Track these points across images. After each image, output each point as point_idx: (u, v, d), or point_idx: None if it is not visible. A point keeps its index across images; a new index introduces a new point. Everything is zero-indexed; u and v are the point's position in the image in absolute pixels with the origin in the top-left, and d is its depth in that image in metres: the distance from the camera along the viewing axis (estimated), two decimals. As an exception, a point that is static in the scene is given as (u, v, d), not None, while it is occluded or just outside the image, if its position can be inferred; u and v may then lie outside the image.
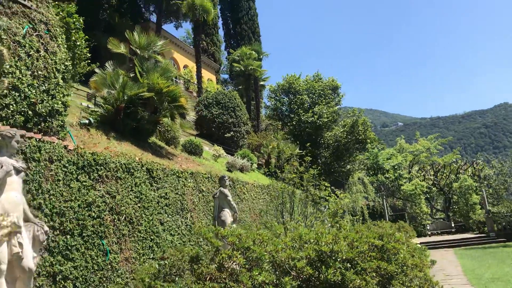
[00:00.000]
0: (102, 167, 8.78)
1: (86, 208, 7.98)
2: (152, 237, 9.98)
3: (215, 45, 53.68)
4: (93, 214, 8.12)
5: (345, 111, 39.11)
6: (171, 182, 11.65)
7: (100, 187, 8.61)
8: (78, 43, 18.36)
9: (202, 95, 30.69)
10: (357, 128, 30.96)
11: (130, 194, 9.61)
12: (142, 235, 9.62)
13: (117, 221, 8.86)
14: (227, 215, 11.39)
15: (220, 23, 57.32)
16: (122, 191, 9.31)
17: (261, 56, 51.06)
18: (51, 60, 8.09)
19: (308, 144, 31.83)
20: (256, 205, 17.47)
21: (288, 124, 32.11)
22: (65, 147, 7.91)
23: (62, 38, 8.72)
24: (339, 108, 33.97)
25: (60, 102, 8.08)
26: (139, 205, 9.83)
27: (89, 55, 18.97)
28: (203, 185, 13.43)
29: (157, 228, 10.28)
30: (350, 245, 7.49)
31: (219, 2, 59.89)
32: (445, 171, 42.23)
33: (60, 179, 7.50)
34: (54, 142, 7.62)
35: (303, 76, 34.14)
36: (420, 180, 39.00)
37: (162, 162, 12.11)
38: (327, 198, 16.41)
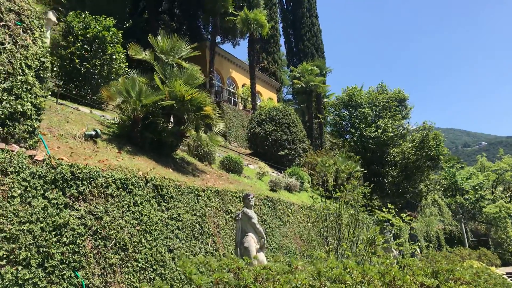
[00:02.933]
0: (84, 182, 7.30)
1: (54, 232, 6.47)
2: (154, 267, 8.31)
3: (276, 63, 52.46)
4: (64, 239, 6.59)
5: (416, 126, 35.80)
6: (187, 202, 9.99)
7: (79, 206, 7.11)
8: (114, 57, 17.68)
9: (255, 112, 29.20)
10: (427, 143, 27.80)
11: (126, 215, 8.05)
12: (140, 265, 7.98)
13: (103, 248, 7.28)
14: (251, 241, 9.49)
15: (282, 41, 56.27)
16: (113, 211, 7.76)
17: (324, 72, 49.02)
18: (20, 54, 6.80)
19: (372, 161, 29.19)
20: (303, 229, 15.36)
21: (349, 140, 29.65)
22: (31, 157, 6.51)
23: (41, 31, 7.46)
24: (407, 122, 30.98)
25: (29, 104, 6.73)
26: (138, 228, 8.23)
27: (127, 69, 18.20)
28: (232, 205, 11.66)
29: (162, 256, 8.60)
30: (391, 285, 5.43)
31: (281, 20, 59.08)
32: (534, 192, 37.30)
33: (16, 195, 6.07)
34: (13, 151, 6.25)
35: (365, 88, 31.60)
36: (505, 202, 34.54)
37: (182, 179, 10.53)
38: (390, 221, 14.10)
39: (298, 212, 15.69)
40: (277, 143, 26.61)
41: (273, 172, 21.11)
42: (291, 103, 57.16)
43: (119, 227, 7.77)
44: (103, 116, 13.78)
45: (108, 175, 7.88)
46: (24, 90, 6.69)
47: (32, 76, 6.88)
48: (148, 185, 8.95)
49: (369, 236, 6.82)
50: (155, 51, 12.72)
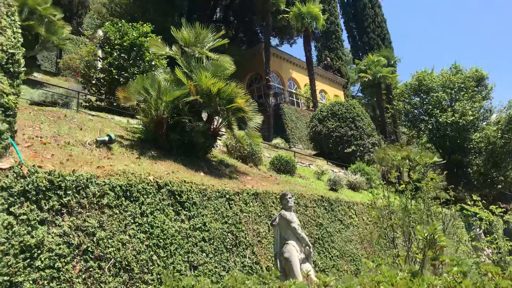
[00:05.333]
0: (69, 192, 6.06)
1: (22, 256, 5.25)
2: (171, 289, 6.87)
3: (340, 59, 49.99)
4: (38, 263, 5.35)
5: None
6: (216, 208, 8.51)
7: (63, 221, 5.87)
8: (153, 63, 16.80)
9: (316, 110, 27.28)
10: (516, 124, 24.20)
11: (131, 228, 6.71)
12: (150, 288, 6.60)
13: (96, 271, 5.97)
14: (293, 250, 7.79)
15: (344, 35, 53.74)
16: (111, 224, 6.46)
17: (393, 62, 45.81)
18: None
19: (452, 150, 26.00)
20: (370, 231, 13.27)
21: (423, 129, 26.71)
22: (-9, 165, 5.38)
23: (12, 20, 6.40)
24: (489, 103, 27.39)
25: (-10, 103, 5.62)
26: (147, 243, 6.86)
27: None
28: (276, 209, 10.01)
29: (182, 274, 7.16)
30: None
31: (341, 15, 56.59)
32: None
33: (-35, 213, 4.92)
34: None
35: (437, 70, 28.47)
36: None
37: (211, 182, 9.08)
38: (478, 215, 11.87)
39: (364, 213, 13.64)
40: (342, 140, 24.51)
41: (337, 171, 19.10)
42: (360, 98, 54.24)
43: (119, 243, 6.44)
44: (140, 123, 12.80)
45: (103, 182, 6.61)
46: (-18, 87, 5.59)
47: (-6, 71, 5.78)
48: (162, 191, 7.58)
49: (426, 234, 4.85)
50: (180, 45, 11.48)
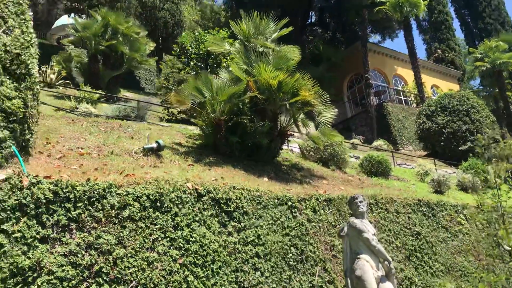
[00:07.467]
0: (79, 204, 5.25)
1: (13, 280, 4.50)
2: (213, 316, 5.75)
3: (453, 50, 45.51)
4: (33, 288, 4.57)
5: None
6: (274, 217, 7.24)
7: (70, 238, 5.06)
8: (230, 69, 16.08)
9: (423, 105, 24.52)
10: None
11: (160, 244, 5.72)
12: (183, 315, 5.52)
13: (112, 295, 5.06)
14: (366, 266, 6.22)
15: (456, 24, 49.10)
16: (134, 240, 5.52)
17: (516, 45, 40.26)
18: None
19: None
20: (486, 240, 10.84)
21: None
22: (-16, 177, 4.76)
23: (22, 19, 5.91)
24: None
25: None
26: (180, 261, 5.81)
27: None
28: (355, 217, 8.38)
29: (228, 297, 5.99)
30: None
31: (451, 2, 51.87)
32: None
33: None
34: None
35: None
36: None
37: (272, 188, 7.84)
38: None
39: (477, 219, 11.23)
40: (455, 136, 21.59)
41: (446, 171, 16.53)
42: (479, 90, 48.68)
43: (144, 262, 5.46)
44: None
45: (125, 192, 5.72)
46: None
47: (-8, 72, 5.23)
48: (203, 199, 6.52)
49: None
50: (241, 39, 10.50)
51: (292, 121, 9.47)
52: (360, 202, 6.65)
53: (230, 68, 10.23)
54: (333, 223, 8.09)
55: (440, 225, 10.17)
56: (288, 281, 6.84)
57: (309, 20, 39.70)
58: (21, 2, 6.02)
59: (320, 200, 8.15)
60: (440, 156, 21.81)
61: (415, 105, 34.05)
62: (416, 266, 8.94)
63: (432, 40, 47.01)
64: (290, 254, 7.09)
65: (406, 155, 21.55)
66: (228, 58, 14.32)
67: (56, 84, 17.21)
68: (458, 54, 46.03)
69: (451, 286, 8.57)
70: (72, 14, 23.83)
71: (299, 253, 7.22)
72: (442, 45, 45.69)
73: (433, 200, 10.56)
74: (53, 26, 37.86)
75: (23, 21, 5.93)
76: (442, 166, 19.16)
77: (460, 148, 21.12)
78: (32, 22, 6.19)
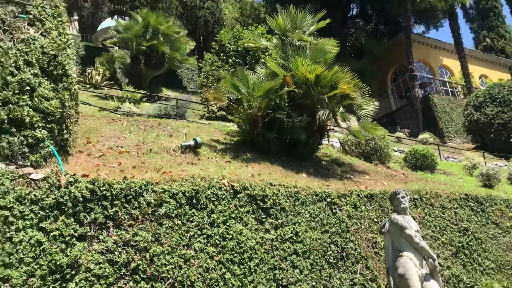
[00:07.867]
0: (116, 202, 5.31)
1: (51, 278, 4.60)
2: (250, 316, 5.68)
3: (503, 38, 43.41)
4: (71, 285, 4.64)
5: None
6: (313, 214, 7.08)
7: (108, 235, 5.12)
8: (268, 65, 15.95)
9: (471, 95, 23.52)
10: None
11: (197, 241, 5.71)
12: (221, 313, 5.48)
13: (148, 293, 5.08)
14: (408, 264, 6.00)
15: (506, 10, 46.75)
16: (171, 237, 5.52)
17: None
18: (17, 50, 5.38)
19: None
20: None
21: None
22: (23, 176, 4.88)
23: (58, 21, 6.03)
24: None
25: (27, 109, 5.19)
26: (217, 258, 5.77)
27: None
28: (398, 213, 8.09)
29: (266, 296, 5.91)
30: None
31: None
32: None
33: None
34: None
35: None
36: None
37: (311, 184, 7.70)
38: None
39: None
40: (506, 128, 20.58)
41: (497, 164, 15.76)
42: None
43: (180, 259, 5.46)
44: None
45: (162, 189, 5.74)
46: (17, 92, 5.18)
47: (33, 75, 5.36)
48: (239, 196, 6.45)
49: None
50: (277, 34, 10.36)
51: (331, 115, 9.25)
52: (402, 197, 6.41)
53: (264, 65, 10.13)
54: (375, 220, 7.83)
55: (489, 221, 9.67)
56: (328, 279, 6.67)
57: (351, 13, 38.92)
58: (57, 4, 6.15)
59: (361, 196, 7.92)
60: (490, 149, 20.88)
61: (462, 96, 32.72)
62: (464, 263, 8.53)
63: (480, 29, 45.08)
64: (330, 252, 6.91)
65: (453, 148, 20.73)
66: (266, 54, 14.19)
67: (101, 85, 17.69)
68: (508, 42, 43.93)
69: (499, 286, 8.13)
70: (115, 16, 24.41)
71: (339, 251, 7.04)
72: (491, 33, 43.76)
73: (481, 194, 10.06)
74: (98, 29, 39.02)
75: (60, 23, 6.06)
76: (492, 159, 18.28)
77: (511, 140, 20.10)
78: (68, 24, 6.31)
